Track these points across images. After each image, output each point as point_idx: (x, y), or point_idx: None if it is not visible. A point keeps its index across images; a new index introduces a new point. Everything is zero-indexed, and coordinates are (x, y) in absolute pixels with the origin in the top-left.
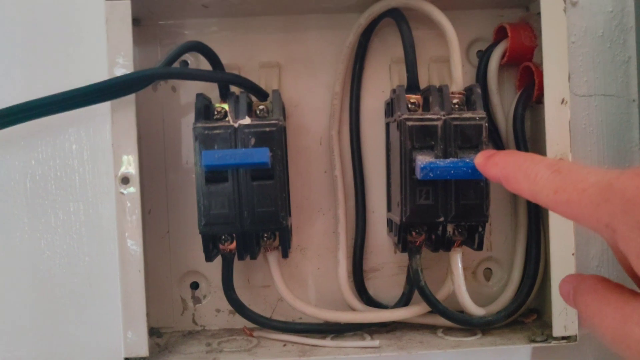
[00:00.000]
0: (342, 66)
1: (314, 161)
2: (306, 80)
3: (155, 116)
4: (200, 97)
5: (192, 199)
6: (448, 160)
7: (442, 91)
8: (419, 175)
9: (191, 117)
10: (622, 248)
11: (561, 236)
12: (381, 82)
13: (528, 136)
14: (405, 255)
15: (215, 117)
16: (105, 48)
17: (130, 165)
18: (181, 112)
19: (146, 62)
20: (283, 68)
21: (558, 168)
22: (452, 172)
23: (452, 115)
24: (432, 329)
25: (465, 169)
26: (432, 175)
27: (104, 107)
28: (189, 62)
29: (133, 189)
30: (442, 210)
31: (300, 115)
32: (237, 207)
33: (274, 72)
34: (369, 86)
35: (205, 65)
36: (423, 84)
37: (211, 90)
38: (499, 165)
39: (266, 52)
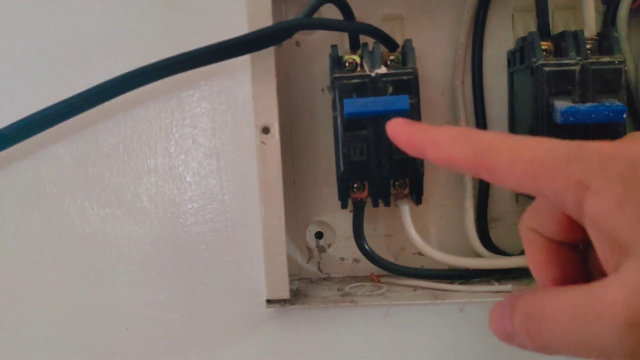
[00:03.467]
0: (466, 16)
1: (436, 113)
2: (428, 32)
3: (280, 71)
4: (334, 48)
5: (315, 151)
6: (588, 104)
7: (577, 36)
8: (559, 119)
9: (314, 71)
10: (594, 205)
11: None
12: (504, 31)
13: None
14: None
15: (346, 69)
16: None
17: (270, 114)
18: (304, 67)
19: (275, 17)
20: (405, 20)
21: (508, 134)
22: (593, 115)
23: (590, 60)
24: None
25: (606, 112)
26: (572, 119)
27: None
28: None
29: (274, 138)
30: None
31: (421, 67)
32: (376, 155)
33: (396, 24)
34: (491, 36)
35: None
36: None
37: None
38: (427, 132)
39: (388, 5)
